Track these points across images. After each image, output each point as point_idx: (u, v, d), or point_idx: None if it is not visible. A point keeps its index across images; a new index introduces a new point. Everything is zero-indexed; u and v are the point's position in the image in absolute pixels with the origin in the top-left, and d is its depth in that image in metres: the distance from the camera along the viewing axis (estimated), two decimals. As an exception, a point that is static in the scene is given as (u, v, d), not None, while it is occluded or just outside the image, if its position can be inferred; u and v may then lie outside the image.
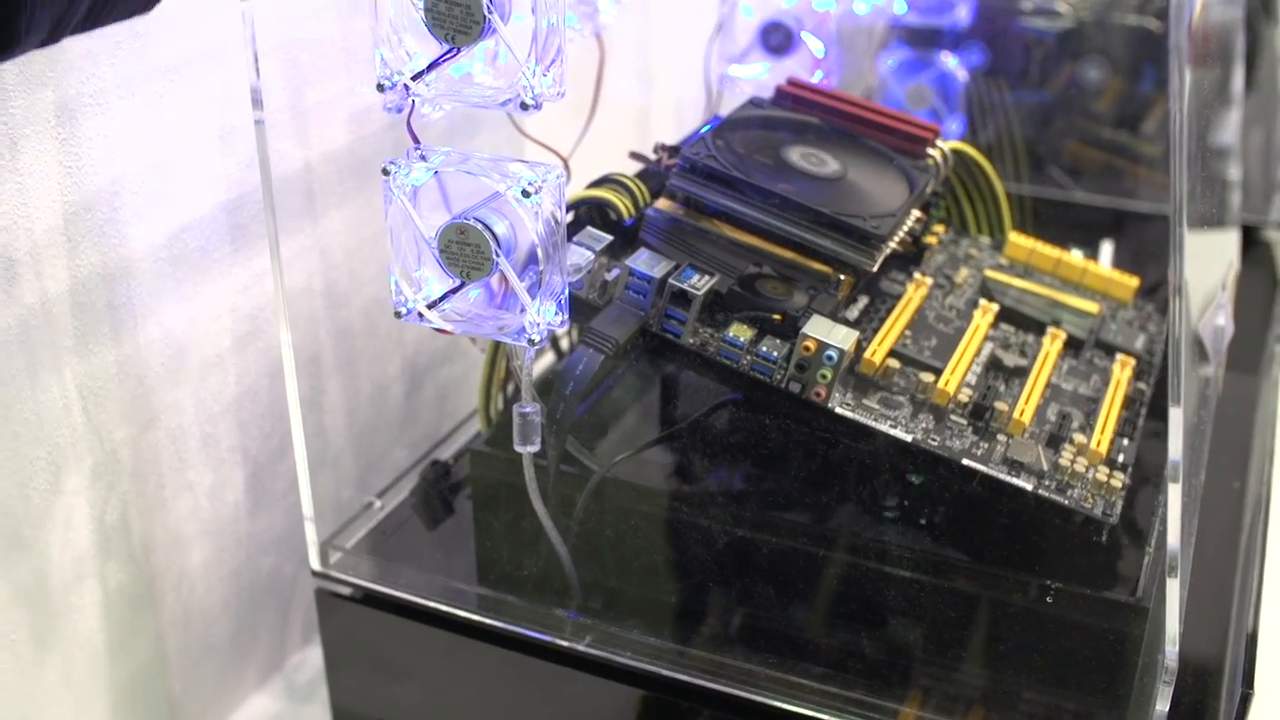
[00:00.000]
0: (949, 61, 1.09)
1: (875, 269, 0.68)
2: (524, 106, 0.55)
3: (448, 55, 0.55)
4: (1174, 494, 0.51)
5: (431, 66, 0.56)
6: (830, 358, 0.63)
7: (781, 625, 0.66)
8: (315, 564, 0.70)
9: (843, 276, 0.68)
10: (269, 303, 0.77)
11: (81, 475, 0.67)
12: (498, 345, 0.72)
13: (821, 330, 0.63)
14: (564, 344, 0.82)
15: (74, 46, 0.62)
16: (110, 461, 0.69)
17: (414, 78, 0.56)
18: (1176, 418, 0.50)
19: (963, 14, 1.07)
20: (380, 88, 0.57)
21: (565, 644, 0.66)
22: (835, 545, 0.65)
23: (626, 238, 0.69)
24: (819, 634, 0.65)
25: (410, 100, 0.57)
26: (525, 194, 0.56)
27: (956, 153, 0.82)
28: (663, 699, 0.64)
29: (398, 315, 0.61)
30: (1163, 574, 0.55)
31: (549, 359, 0.84)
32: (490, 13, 0.54)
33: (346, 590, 0.70)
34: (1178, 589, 0.52)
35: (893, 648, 0.64)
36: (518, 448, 0.64)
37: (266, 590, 0.83)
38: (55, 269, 0.63)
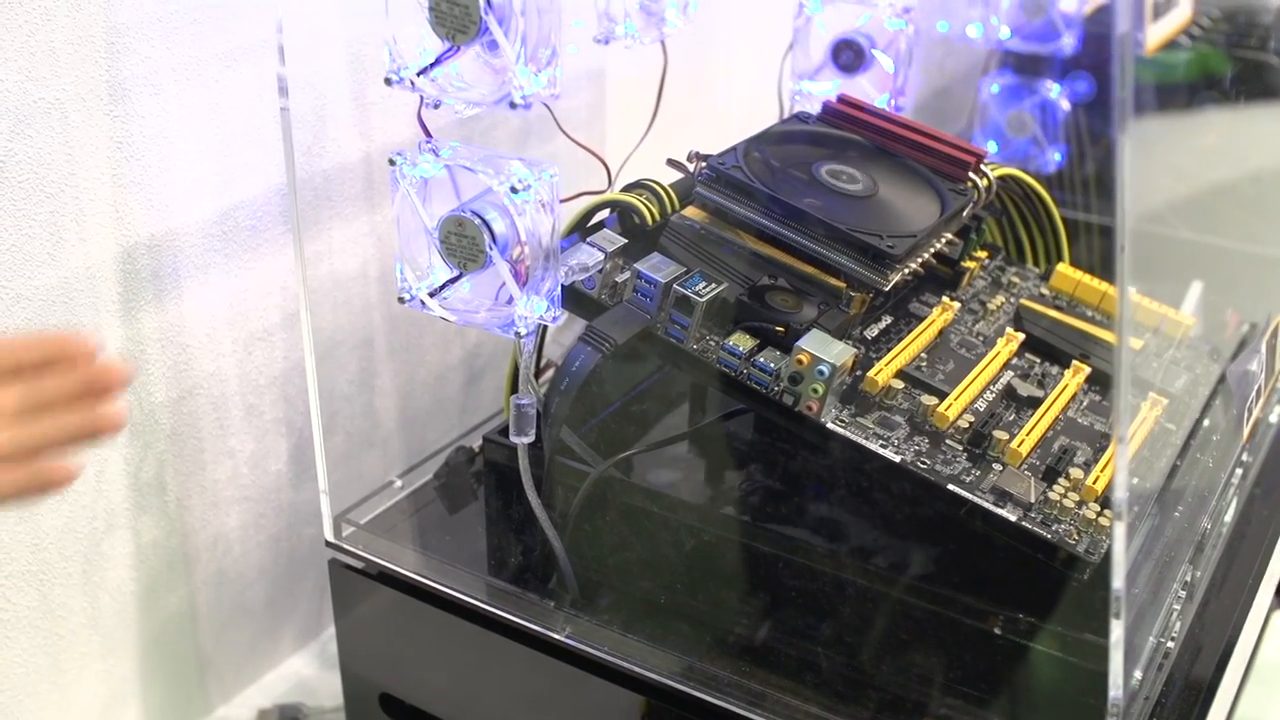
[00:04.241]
0: (1052, 90, 1.08)
1: (888, 288, 0.68)
2: (513, 105, 0.57)
3: (448, 53, 0.58)
4: (1119, 533, 0.50)
5: (437, 62, 0.59)
6: (822, 372, 0.63)
7: (736, 630, 0.67)
8: (329, 535, 0.72)
9: (855, 294, 0.68)
10: (321, 283, 0.80)
11: (117, 432, 0.71)
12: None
13: (816, 345, 0.63)
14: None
15: (130, 30, 0.66)
16: (148, 422, 0.73)
17: (419, 73, 0.59)
18: (1123, 456, 0.49)
19: (1068, 42, 1.05)
20: (388, 81, 0.59)
21: (556, 637, 0.67)
22: (807, 556, 0.65)
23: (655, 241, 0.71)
24: (775, 642, 0.65)
25: (419, 95, 0.60)
26: (514, 190, 0.58)
27: (1014, 180, 0.81)
28: (653, 703, 0.65)
29: (401, 301, 0.63)
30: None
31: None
32: (487, 14, 0.56)
33: (359, 564, 0.72)
34: (1122, 629, 0.51)
35: (856, 667, 0.64)
36: (513, 438, 0.66)
37: (307, 559, 0.86)
38: (101, 236, 0.67)
